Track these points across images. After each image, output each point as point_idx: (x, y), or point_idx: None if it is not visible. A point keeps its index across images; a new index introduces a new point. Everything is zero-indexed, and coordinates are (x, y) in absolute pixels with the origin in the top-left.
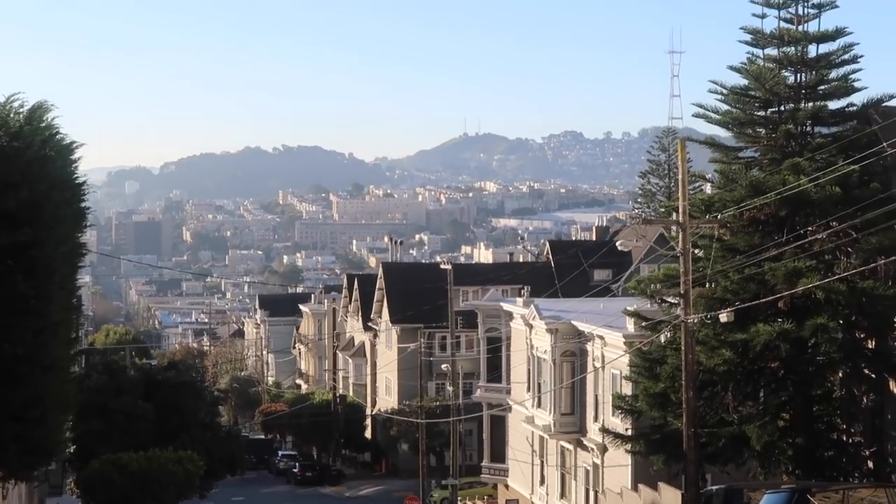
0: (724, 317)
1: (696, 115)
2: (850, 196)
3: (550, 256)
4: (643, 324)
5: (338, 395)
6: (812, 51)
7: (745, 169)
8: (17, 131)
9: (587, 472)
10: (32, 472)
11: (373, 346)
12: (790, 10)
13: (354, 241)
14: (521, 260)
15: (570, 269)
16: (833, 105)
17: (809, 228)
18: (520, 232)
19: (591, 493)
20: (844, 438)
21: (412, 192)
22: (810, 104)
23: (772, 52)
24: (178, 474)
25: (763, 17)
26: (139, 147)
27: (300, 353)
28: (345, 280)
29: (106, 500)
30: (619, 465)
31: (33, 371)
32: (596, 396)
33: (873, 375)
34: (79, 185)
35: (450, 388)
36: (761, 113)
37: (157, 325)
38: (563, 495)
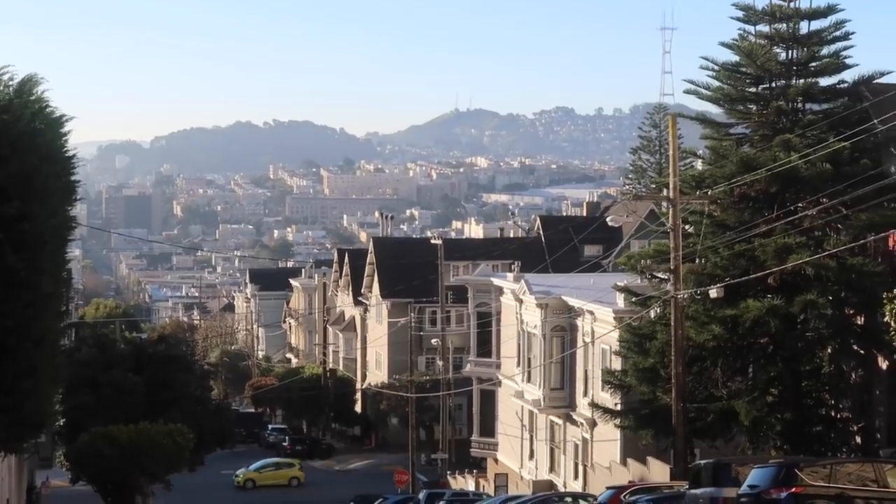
0: (713, 292)
1: (688, 92)
2: (840, 172)
3: (541, 232)
4: (633, 299)
5: (328, 369)
6: (804, 27)
7: (736, 145)
8: (6, 104)
9: (576, 446)
10: (22, 445)
11: (363, 320)
12: None
13: (345, 216)
14: (511, 235)
15: (561, 245)
16: (824, 82)
17: (800, 205)
18: (510, 207)
19: (580, 468)
20: (833, 414)
21: (403, 168)
22: (801, 81)
23: (763, 28)
24: (168, 447)
25: None
26: (130, 121)
27: (290, 327)
28: (335, 255)
29: (95, 472)
30: (608, 439)
31: (24, 343)
32: (585, 371)
33: (862, 351)
34: (69, 159)
35: (440, 363)
36: (752, 89)
37: (148, 298)
38: (552, 469)
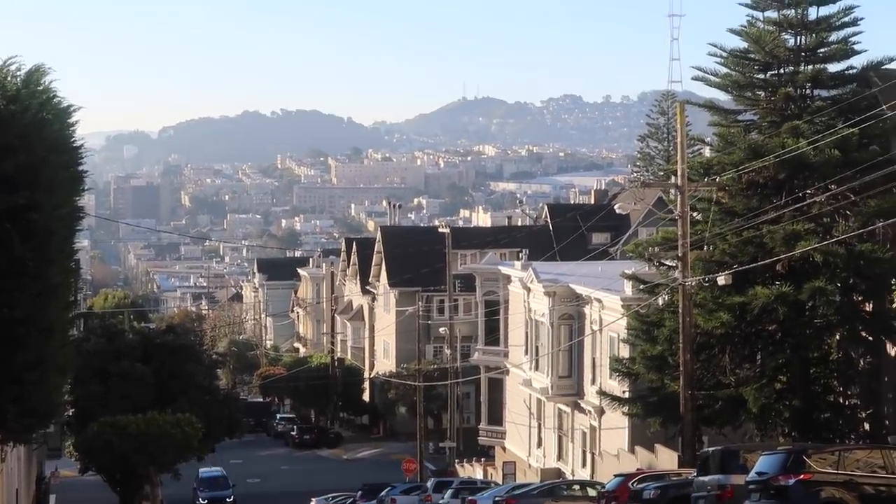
0: (722, 280)
1: (696, 79)
2: (849, 159)
3: (549, 220)
4: (641, 287)
5: (336, 358)
6: (812, 13)
7: (744, 132)
8: (14, 94)
9: (584, 434)
10: (31, 435)
11: (371, 309)
12: None
13: (353, 205)
14: (519, 223)
15: (569, 233)
16: (833, 68)
17: (808, 191)
18: (518, 195)
19: (589, 455)
20: (841, 400)
21: (411, 156)
22: (810, 67)
23: (772, 14)
24: (176, 437)
25: None
26: (138, 111)
27: (298, 316)
28: (343, 244)
29: (104, 462)
30: (616, 427)
31: (32, 334)
32: (593, 359)
33: (870, 338)
34: (76, 149)
35: (447, 352)
36: (761, 76)
37: (156, 289)
38: (560, 457)
